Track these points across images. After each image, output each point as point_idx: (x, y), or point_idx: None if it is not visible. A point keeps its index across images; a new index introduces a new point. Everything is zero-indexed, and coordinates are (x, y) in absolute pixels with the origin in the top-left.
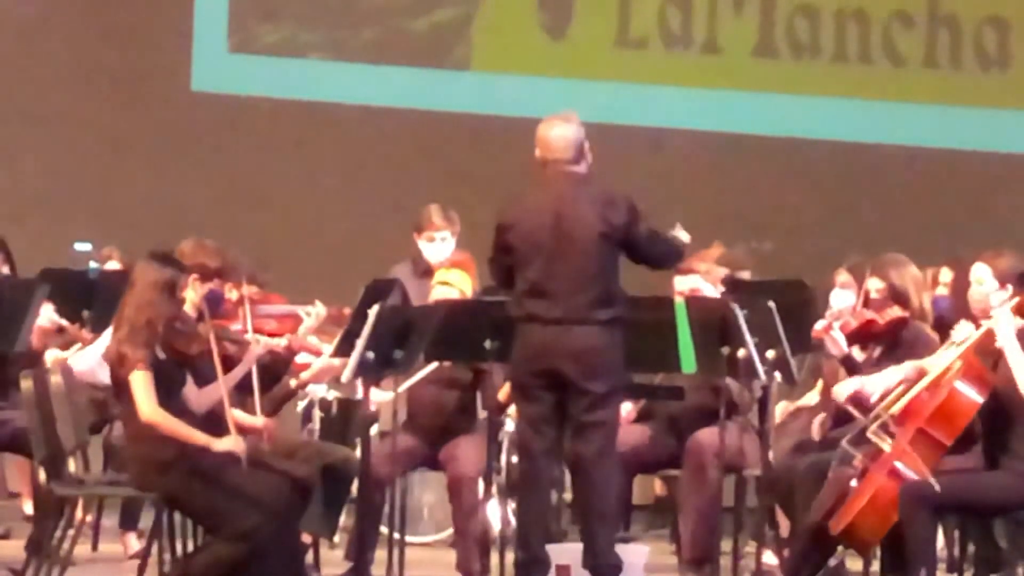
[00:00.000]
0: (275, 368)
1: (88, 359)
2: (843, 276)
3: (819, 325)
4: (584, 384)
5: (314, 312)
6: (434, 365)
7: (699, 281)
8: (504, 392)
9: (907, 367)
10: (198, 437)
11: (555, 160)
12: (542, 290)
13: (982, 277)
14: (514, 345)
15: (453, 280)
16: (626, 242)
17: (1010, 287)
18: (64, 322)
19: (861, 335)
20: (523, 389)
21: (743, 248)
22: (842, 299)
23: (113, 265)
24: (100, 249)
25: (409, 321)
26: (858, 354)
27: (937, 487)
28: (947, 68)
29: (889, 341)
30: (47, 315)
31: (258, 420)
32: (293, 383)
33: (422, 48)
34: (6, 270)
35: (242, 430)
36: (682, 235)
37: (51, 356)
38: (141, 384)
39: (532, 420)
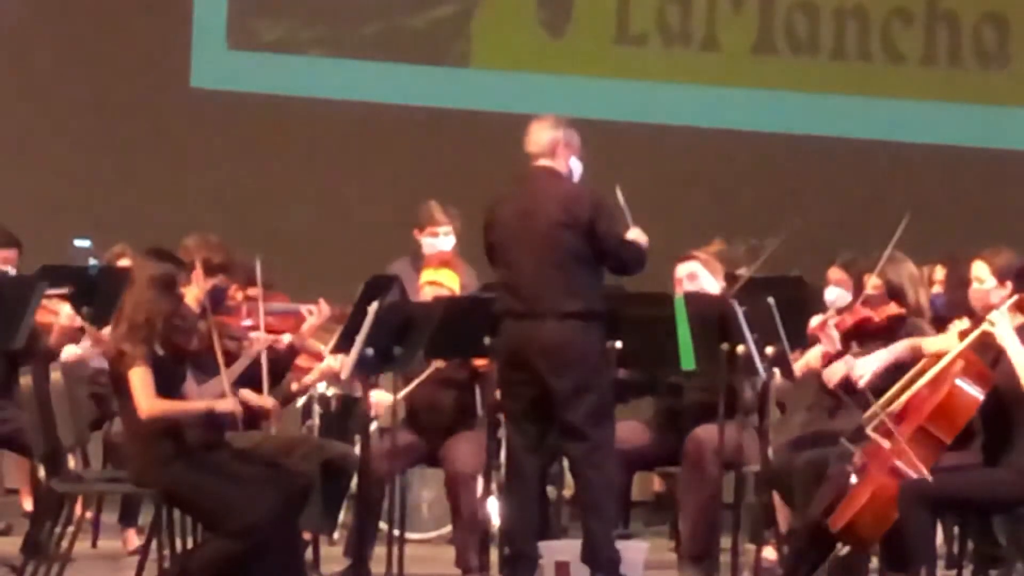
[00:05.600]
0: (276, 366)
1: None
2: (836, 272)
3: (814, 322)
4: (551, 380)
5: (317, 311)
6: (435, 366)
7: (698, 267)
8: None
9: (899, 347)
10: (198, 406)
11: (530, 155)
12: (512, 284)
13: (981, 275)
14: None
15: (442, 279)
16: (588, 237)
17: (1009, 284)
18: (86, 324)
19: (857, 332)
20: (505, 384)
21: (741, 245)
22: (835, 295)
23: (125, 263)
24: (104, 247)
25: (408, 317)
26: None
27: (930, 479)
28: (946, 65)
29: (886, 337)
30: (66, 314)
31: (267, 401)
32: (295, 387)
33: (421, 45)
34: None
35: (252, 411)
36: (633, 232)
37: (68, 352)
38: (139, 381)
39: (513, 416)
